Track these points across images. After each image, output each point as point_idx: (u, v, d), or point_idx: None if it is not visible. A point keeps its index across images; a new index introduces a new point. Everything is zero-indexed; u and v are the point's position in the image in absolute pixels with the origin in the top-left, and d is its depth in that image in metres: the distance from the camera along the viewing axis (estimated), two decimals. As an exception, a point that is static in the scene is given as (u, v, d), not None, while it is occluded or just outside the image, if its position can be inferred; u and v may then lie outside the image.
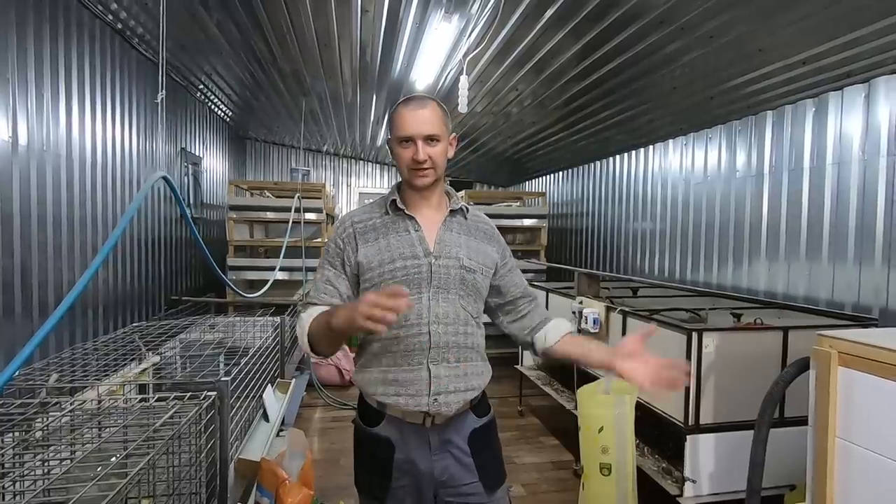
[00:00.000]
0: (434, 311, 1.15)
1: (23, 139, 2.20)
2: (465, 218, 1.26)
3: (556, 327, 1.30)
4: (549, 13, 2.39)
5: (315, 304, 1.18)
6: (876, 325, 2.23)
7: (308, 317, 1.14)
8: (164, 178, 1.75)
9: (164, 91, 2.11)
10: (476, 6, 2.45)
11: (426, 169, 1.15)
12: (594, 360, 1.28)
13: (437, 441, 1.17)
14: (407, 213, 1.20)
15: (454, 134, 1.23)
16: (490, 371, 1.27)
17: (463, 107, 2.67)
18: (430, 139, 1.14)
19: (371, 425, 1.20)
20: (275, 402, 2.44)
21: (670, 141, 3.90)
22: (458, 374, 1.17)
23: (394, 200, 1.22)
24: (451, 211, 1.24)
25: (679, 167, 3.79)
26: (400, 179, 1.27)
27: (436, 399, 1.14)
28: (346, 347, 4.69)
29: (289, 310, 3.65)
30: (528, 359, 3.91)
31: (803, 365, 1.48)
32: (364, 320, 0.91)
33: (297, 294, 4.50)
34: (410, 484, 1.18)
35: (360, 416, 1.24)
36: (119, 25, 2.97)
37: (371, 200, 1.30)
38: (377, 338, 1.17)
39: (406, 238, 1.18)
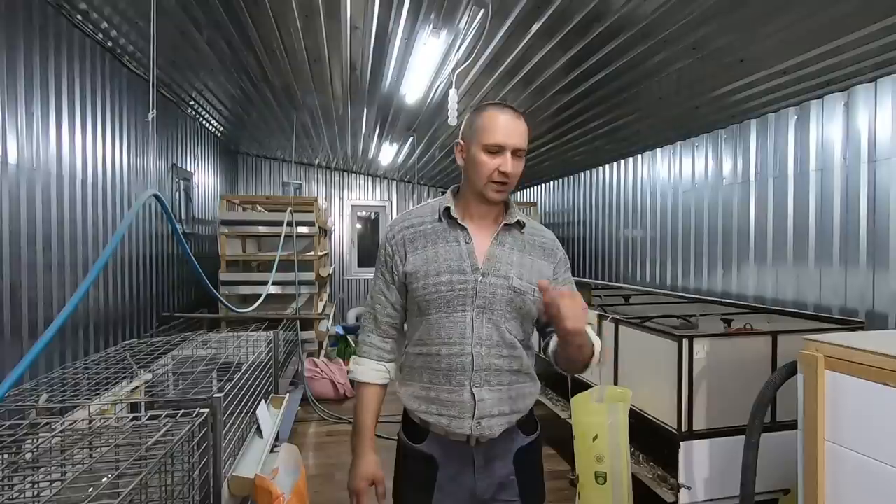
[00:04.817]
0: (477, 333, 1.09)
1: (13, 158, 2.20)
2: (521, 232, 1.17)
3: None
4: (535, 27, 2.44)
5: (367, 343, 1.22)
6: (863, 328, 2.26)
7: (365, 369, 1.21)
8: (156, 197, 1.75)
9: (154, 110, 2.12)
10: (464, 21, 2.49)
11: (507, 184, 1.09)
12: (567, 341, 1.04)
13: (482, 459, 1.13)
14: (460, 222, 1.13)
15: None
16: (539, 388, 1.21)
17: (453, 119, 2.71)
18: (518, 153, 1.09)
19: (416, 441, 1.17)
20: (268, 417, 2.43)
21: (658, 150, 3.95)
22: (501, 397, 1.11)
23: (448, 208, 1.14)
24: (506, 225, 1.15)
25: (667, 175, 3.84)
26: (457, 185, 1.21)
27: (479, 423, 1.09)
28: (341, 360, 4.67)
29: (282, 324, 3.64)
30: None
31: (791, 369, 1.49)
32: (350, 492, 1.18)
33: (291, 308, 4.48)
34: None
35: (405, 431, 1.21)
36: (109, 44, 2.99)
37: (426, 202, 1.23)
38: (418, 352, 1.13)
39: (455, 249, 1.12)
